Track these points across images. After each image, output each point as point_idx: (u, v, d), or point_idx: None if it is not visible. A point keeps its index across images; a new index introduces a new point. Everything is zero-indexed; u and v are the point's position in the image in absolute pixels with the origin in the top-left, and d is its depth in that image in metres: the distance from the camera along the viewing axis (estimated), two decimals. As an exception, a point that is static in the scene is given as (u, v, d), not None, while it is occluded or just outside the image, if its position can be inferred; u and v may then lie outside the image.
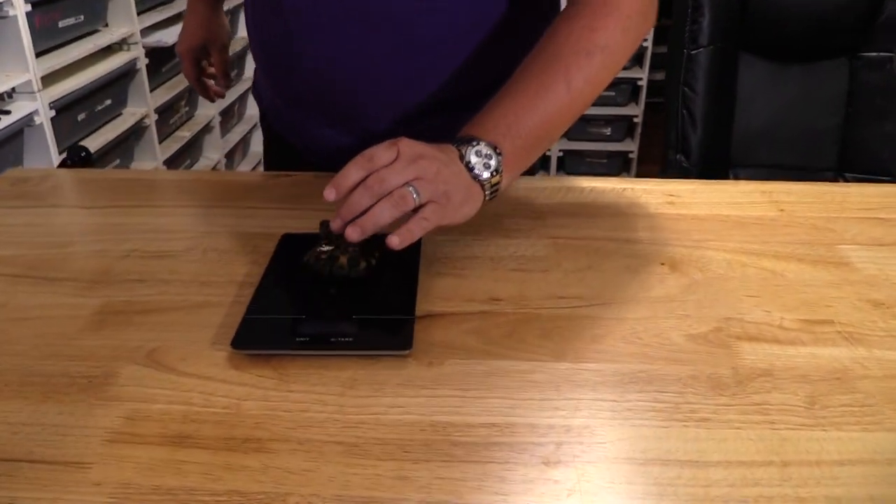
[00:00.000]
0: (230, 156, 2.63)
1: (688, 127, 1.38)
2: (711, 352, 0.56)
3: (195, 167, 2.43)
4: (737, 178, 1.42)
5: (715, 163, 1.41)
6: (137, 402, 0.51)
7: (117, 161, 2.00)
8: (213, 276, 0.66)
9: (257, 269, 0.67)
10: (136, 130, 2.06)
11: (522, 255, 0.70)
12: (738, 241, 0.72)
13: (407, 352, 0.55)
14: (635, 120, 2.78)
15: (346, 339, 0.55)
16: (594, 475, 0.45)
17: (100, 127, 1.94)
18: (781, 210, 0.79)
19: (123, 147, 2.03)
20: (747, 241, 0.72)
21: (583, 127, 2.82)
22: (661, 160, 1.46)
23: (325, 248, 0.61)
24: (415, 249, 0.68)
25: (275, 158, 0.96)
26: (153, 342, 0.57)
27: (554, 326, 0.59)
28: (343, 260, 0.60)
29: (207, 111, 2.47)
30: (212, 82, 1.01)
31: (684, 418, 0.50)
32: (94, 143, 1.85)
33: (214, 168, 2.48)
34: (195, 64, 0.99)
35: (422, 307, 0.61)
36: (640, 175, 2.80)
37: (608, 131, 2.84)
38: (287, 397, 0.51)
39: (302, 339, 0.55)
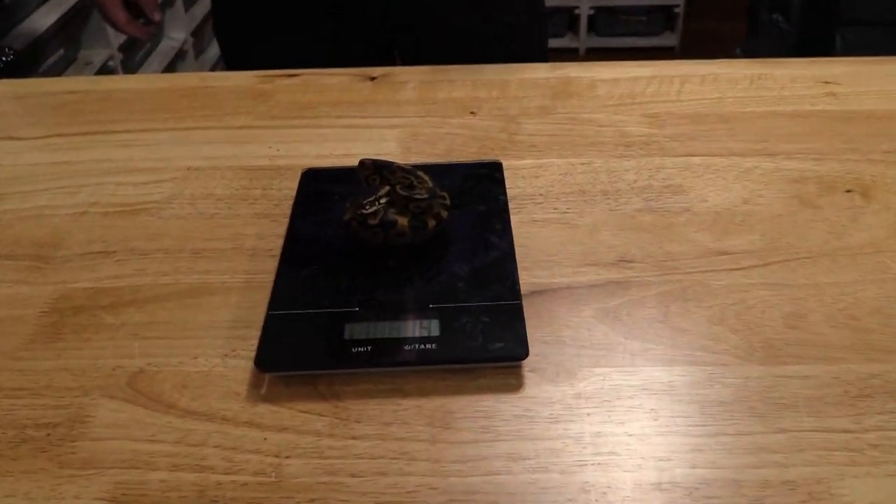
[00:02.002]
0: (198, 34, 2.37)
1: (787, -24, 1.16)
2: (966, 335, 0.41)
3: (158, 50, 2.19)
4: (845, 39, 1.22)
5: (818, 22, 1.20)
6: (125, 468, 0.36)
7: (61, 51, 1.78)
8: (209, 239, 0.50)
9: (272, 227, 0.51)
10: (81, 10, 1.82)
11: (647, 185, 0.53)
12: (944, 149, 0.56)
13: (521, 361, 0.40)
14: (681, -35, 2.50)
15: (427, 344, 0.40)
16: (855, 572, 0.31)
17: (35, 10, 1.70)
18: None
19: (67, 32, 1.80)
20: (957, 148, 0.56)
21: (616, -23, 2.54)
22: (748, 20, 1.26)
23: (370, 208, 0.44)
24: (497, 178, 0.52)
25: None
26: (136, 359, 0.42)
27: (724, 304, 0.44)
28: (403, 223, 0.44)
29: (165, -20, 2.20)
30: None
31: (963, 457, 0.35)
32: (29, 30, 1.62)
33: (181, 51, 2.24)
34: (122, 5, 0.77)
35: (521, 278, 0.45)
36: (688, 33, 2.55)
37: (647, -19, 2.57)
38: (351, 449, 0.37)
39: (360, 348, 0.40)
